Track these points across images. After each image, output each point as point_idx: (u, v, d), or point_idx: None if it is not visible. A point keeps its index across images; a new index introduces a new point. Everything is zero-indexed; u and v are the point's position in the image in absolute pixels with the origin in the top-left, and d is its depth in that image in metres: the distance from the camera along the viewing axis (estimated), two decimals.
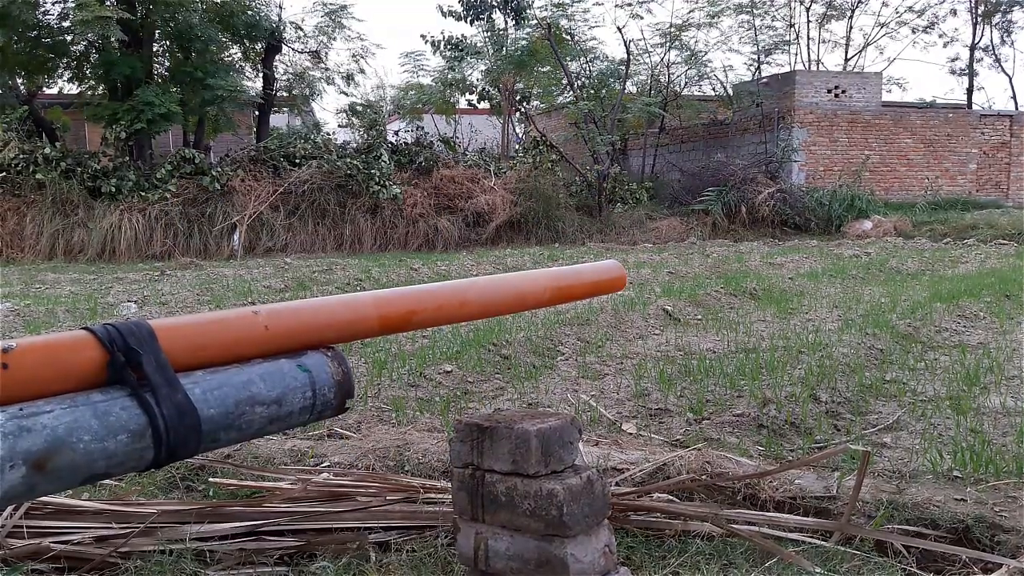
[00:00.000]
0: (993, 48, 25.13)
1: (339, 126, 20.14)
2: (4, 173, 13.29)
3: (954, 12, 25.83)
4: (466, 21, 19.77)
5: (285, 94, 17.54)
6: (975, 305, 6.04)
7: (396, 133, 18.18)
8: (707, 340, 4.86)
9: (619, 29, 18.68)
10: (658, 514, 2.05)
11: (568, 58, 18.23)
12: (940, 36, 29.26)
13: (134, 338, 1.03)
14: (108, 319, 5.84)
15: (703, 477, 2.26)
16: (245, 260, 12.54)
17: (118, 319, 5.80)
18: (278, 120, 19.25)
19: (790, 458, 2.61)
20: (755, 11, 20.27)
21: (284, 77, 17.45)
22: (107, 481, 2.41)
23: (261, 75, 16.93)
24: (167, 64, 15.84)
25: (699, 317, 5.79)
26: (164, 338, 1.07)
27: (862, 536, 1.97)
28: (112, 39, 13.26)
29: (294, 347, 1.24)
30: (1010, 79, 32.66)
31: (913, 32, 26.18)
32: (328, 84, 17.84)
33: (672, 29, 19.77)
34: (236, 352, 1.19)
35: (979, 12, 24.29)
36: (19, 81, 15.22)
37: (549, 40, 17.21)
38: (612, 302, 6.03)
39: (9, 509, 2.01)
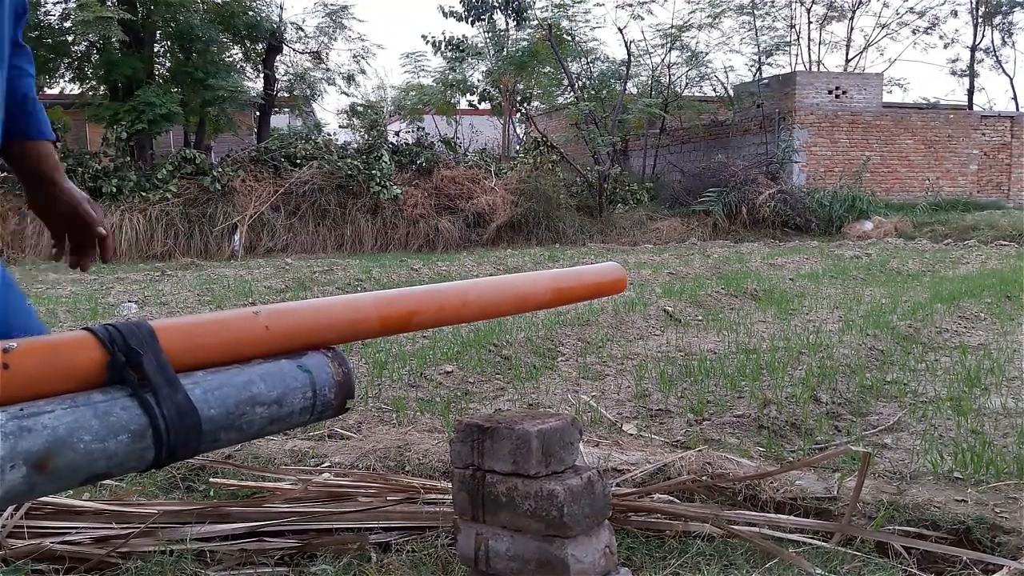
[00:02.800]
0: (994, 49, 25.15)
1: (340, 127, 20.15)
2: (5, 173, 13.30)
3: (955, 13, 25.87)
4: (467, 22, 19.75)
5: (286, 94, 17.55)
6: (976, 306, 6.04)
7: (397, 134, 18.18)
8: (708, 341, 4.86)
9: (620, 30, 18.75)
10: (659, 515, 2.05)
11: (569, 59, 18.24)
12: (941, 37, 29.33)
13: (135, 338, 1.03)
14: (109, 319, 5.85)
15: (703, 478, 2.26)
16: (246, 260, 12.54)
17: (119, 319, 5.81)
18: (279, 121, 19.26)
19: (791, 459, 2.60)
20: (756, 12, 20.27)
21: (285, 77, 17.46)
22: (107, 481, 2.41)
23: (262, 75, 16.94)
24: (168, 64, 15.85)
25: (700, 318, 5.79)
26: (164, 338, 1.06)
27: (863, 537, 1.96)
28: (113, 39, 13.27)
29: (294, 347, 1.24)
30: (1011, 80, 32.72)
31: (914, 33, 26.21)
32: (329, 84, 17.87)
33: (673, 30, 19.78)
34: (237, 352, 1.19)
35: (980, 13, 24.29)
36: None
37: (550, 41, 17.21)
38: (613, 303, 6.03)
39: (10, 509, 2.01)
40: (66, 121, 17.10)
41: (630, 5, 19.59)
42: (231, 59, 16.69)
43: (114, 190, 13.27)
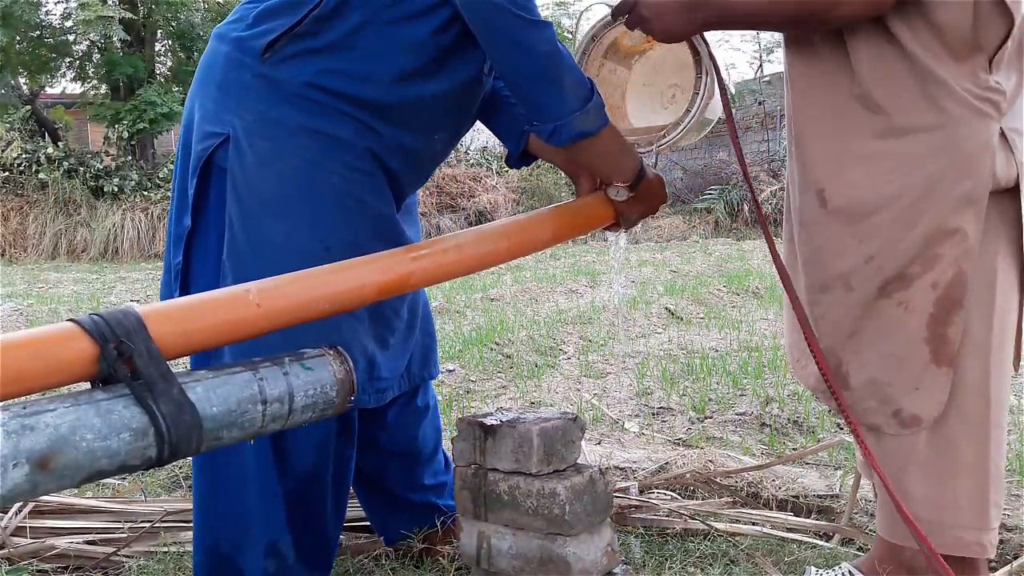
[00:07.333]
0: None
1: None
2: (7, 173, 13.32)
3: None
4: None
5: None
6: None
7: None
8: (709, 338, 4.86)
9: None
10: (660, 512, 2.06)
11: None
12: None
13: (122, 327, 1.00)
14: None
15: (704, 475, 2.26)
16: None
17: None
18: None
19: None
20: None
21: None
22: (110, 480, 2.42)
23: None
24: (169, 63, 15.86)
25: (701, 315, 5.78)
26: (153, 325, 1.04)
27: (863, 535, 1.97)
28: (114, 39, 13.28)
29: (288, 322, 1.22)
30: None
31: None
32: None
33: None
34: (230, 334, 1.16)
35: None
36: (22, 81, 15.25)
37: None
38: (614, 301, 6.03)
39: (13, 508, 2.01)
40: (68, 120, 17.12)
41: None
42: None
43: (116, 189, 13.28)
